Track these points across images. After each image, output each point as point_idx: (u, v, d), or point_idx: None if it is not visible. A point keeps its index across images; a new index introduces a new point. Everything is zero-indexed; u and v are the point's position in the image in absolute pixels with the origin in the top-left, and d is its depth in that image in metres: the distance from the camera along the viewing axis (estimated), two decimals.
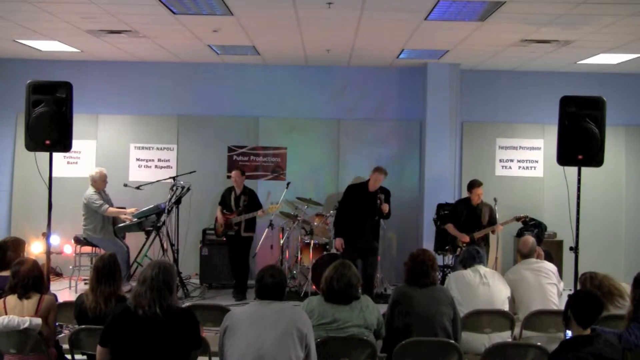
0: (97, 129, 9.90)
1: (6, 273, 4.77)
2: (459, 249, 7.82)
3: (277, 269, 4.01)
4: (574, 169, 5.70)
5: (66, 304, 5.00)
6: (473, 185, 7.89)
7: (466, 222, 7.87)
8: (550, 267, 5.77)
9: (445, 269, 8.58)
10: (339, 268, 4.34)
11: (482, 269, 5.39)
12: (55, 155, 5.84)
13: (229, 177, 9.77)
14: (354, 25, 7.17)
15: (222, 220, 8.61)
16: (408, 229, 9.81)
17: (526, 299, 5.53)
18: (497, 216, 7.70)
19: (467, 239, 7.75)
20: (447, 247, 8.42)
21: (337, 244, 7.77)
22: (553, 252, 8.95)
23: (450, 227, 8.01)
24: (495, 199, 7.67)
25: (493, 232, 7.82)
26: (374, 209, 7.54)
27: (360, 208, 7.63)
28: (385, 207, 7.51)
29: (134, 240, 8.96)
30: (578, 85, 8.75)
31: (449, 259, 8.57)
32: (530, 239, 5.98)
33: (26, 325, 4.31)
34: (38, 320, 4.37)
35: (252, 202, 8.57)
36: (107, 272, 4.39)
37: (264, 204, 9.60)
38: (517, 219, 8.00)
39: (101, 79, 9.88)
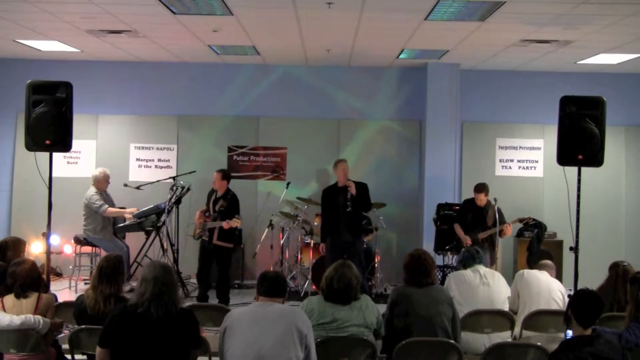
0: (97, 129, 9.90)
1: None
2: (462, 250, 7.77)
3: (277, 271, 4.20)
4: (574, 169, 5.69)
5: (66, 304, 4.99)
6: (475, 189, 7.91)
7: (472, 222, 7.86)
8: (560, 285, 5.70)
9: (446, 269, 8.58)
10: (340, 268, 4.34)
11: (482, 269, 5.40)
12: (55, 155, 5.84)
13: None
14: (354, 25, 7.17)
15: (198, 222, 8.07)
16: (408, 229, 9.82)
17: (531, 297, 5.50)
18: (502, 217, 7.65)
19: (469, 242, 7.71)
20: (447, 247, 8.41)
21: (321, 249, 7.95)
22: (553, 252, 8.96)
23: (457, 228, 8.02)
24: (495, 199, 7.66)
25: (501, 234, 7.65)
26: (345, 201, 7.59)
27: (334, 205, 7.72)
28: (351, 185, 7.53)
29: (134, 240, 8.96)
30: (578, 85, 8.75)
31: (449, 259, 8.56)
32: (552, 264, 5.97)
33: (40, 324, 4.32)
34: (47, 321, 4.37)
35: (230, 209, 7.84)
36: (110, 273, 4.38)
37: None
38: (520, 221, 7.99)
39: (101, 79, 9.88)
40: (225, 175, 8.05)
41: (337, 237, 7.70)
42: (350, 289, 4.28)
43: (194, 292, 8.76)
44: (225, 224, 7.71)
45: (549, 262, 5.95)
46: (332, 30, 7.52)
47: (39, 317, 4.35)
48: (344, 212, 7.62)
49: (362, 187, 7.76)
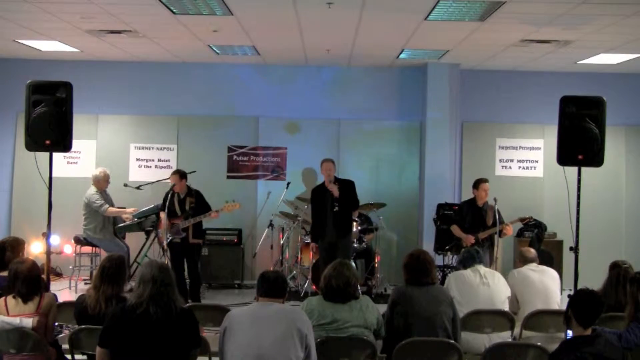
0: (97, 129, 9.90)
1: (5, 273, 4.77)
2: (463, 249, 7.76)
3: (277, 271, 4.15)
4: (574, 169, 5.69)
5: (66, 304, 4.99)
6: (479, 181, 7.80)
7: (471, 223, 7.82)
8: (554, 272, 5.82)
9: (446, 269, 8.57)
10: (338, 267, 4.35)
11: (482, 269, 5.39)
12: (55, 155, 5.84)
13: (229, 177, 9.82)
14: (354, 25, 7.17)
15: (167, 226, 7.63)
16: (408, 229, 9.82)
17: (528, 298, 5.53)
18: (501, 217, 7.62)
19: (472, 240, 7.66)
20: (447, 247, 8.39)
21: (312, 249, 8.00)
22: (553, 252, 8.96)
23: (455, 229, 7.97)
24: (495, 199, 7.64)
25: (501, 233, 7.54)
26: (332, 201, 7.60)
27: (322, 205, 7.72)
28: (333, 189, 7.53)
29: (134, 240, 8.96)
30: (578, 85, 8.72)
31: (449, 259, 8.56)
32: (533, 249, 6.12)
33: (16, 324, 4.29)
34: (28, 321, 4.35)
35: (199, 204, 7.77)
36: (112, 273, 4.36)
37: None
38: (521, 220, 7.98)
39: (101, 79, 9.88)
40: (182, 174, 7.82)
41: (325, 237, 7.71)
42: (349, 287, 4.28)
43: None
44: (214, 214, 7.69)
45: (528, 254, 5.92)
46: (332, 30, 7.52)
47: (18, 318, 4.33)
48: (331, 212, 7.63)
49: (347, 184, 7.75)
